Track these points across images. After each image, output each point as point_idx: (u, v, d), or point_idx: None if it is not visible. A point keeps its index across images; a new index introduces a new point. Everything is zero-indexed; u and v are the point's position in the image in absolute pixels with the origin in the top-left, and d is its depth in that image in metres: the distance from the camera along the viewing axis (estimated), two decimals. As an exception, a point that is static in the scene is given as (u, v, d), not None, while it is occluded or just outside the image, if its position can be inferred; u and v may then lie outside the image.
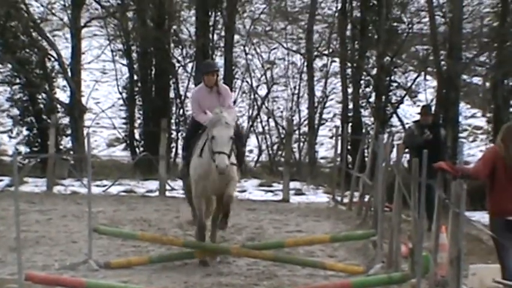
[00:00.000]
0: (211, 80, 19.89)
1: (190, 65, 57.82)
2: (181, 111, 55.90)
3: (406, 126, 39.23)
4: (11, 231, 26.73)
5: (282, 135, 48.10)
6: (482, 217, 20.26)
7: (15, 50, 52.97)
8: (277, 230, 30.59)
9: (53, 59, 54.87)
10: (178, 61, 57.61)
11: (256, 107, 52.68)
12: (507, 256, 17.95)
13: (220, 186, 19.46)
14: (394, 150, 26.57)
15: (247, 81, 54.83)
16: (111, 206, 36.31)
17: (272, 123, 53.80)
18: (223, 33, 55.08)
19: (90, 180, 25.45)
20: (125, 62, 57.39)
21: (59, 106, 54.88)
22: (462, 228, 15.65)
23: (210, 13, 54.40)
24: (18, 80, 54.78)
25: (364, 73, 52.93)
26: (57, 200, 38.17)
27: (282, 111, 54.12)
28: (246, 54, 55.57)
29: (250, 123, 52.35)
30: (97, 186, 40.48)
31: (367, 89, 52.90)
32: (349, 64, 53.87)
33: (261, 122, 54.59)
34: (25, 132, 54.43)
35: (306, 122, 54.45)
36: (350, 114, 51.52)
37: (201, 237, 20.21)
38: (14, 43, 52.77)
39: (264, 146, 54.72)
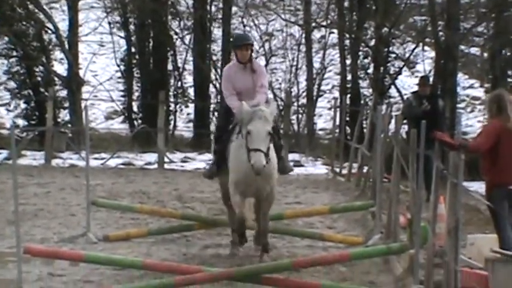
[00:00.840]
0: (245, 55, 17.43)
1: (188, 37, 57.95)
2: (179, 83, 55.95)
3: (405, 97, 39.41)
4: (9, 204, 26.58)
5: (281, 107, 47.64)
6: (480, 187, 20.31)
7: (12, 22, 52.94)
8: (276, 201, 29.27)
9: (50, 31, 55.04)
10: (176, 33, 57.89)
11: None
12: (505, 226, 18.29)
13: (261, 187, 17.40)
14: (393, 121, 26.96)
15: None
16: (109, 178, 36.16)
17: (270, 95, 51.17)
18: (221, 5, 55.49)
19: (88, 153, 25.54)
20: (122, 34, 57.60)
21: (56, 79, 55.00)
22: (460, 198, 15.66)
23: (207, -15, 50.71)
24: (15, 53, 54.85)
25: (363, 44, 53.11)
26: (55, 173, 38.25)
27: (280, 83, 54.35)
28: (244, 26, 55.54)
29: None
30: (95, 159, 40.55)
31: (366, 60, 53.24)
32: (347, 35, 54.07)
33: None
34: (23, 106, 54.78)
35: (304, 94, 54.87)
36: (348, 86, 51.90)
37: (239, 234, 18.41)
38: (10, 16, 52.60)
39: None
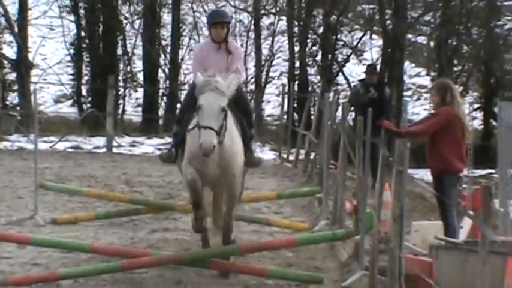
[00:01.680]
0: (220, 33, 15.89)
1: (137, 22, 58.73)
2: (128, 68, 56.68)
3: (352, 84, 39.55)
4: None
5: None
6: (425, 175, 20.67)
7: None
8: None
9: None
10: (126, 18, 58.68)
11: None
12: (451, 213, 18.68)
13: (219, 177, 15.48)
14: (340, 108, 27.19)
15: (194, 39, 55.20)
16: (57, 162, 36.37)
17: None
18: None
19: (36, 136, 25.63)
20: (72, 18, 58.19)
21: (5, 62, 55.51)
22: (405, 185, 16.07)
23: (157, -30, 51.71)
24: None
25: (311, 32, 54.41)
26: (3, 156, 38.58)
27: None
28: (194, 11, 56.57)
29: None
30: (44, 142, 40.71)
31: (314, 48, 54.48)
32: (296, 23, 54.93)
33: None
34: None
35: (252, 80, 55.50)
36: (296, 73, 53.10)
37: (198, 224, 16.26)
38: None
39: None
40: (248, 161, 15.43)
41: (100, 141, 44.49)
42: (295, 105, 47.77)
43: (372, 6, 55.52)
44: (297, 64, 54.23)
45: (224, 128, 14.51)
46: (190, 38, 55.20)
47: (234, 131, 14.92)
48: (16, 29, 54.19)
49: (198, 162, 14.85)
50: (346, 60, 53.99)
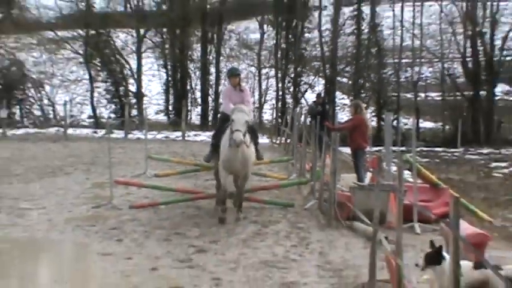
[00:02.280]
0: (235, 81, 16.16)
1: (197, 72, 56.47)
2: (193, 95, 56.32)
3: (309, 104, 40.61)
4: (100, 158, 27.86)
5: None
6: (346, 150, 20.96)
7: (109, 65, 56.21)
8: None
9: (127, 68, 56.27)
10: (192, 70, 56.26)
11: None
12: (360, 170, 19.58)
13: (241, 167, 15.32)
14: (303, 117, 27.91)
15: (224, 83, 56.98)
16: (156, 144, 36.92)
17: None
18: (214, 55, 56.72)
19: (146, 131, 27.29)
20: (164, 70, 57.34)
21: (130, 93, 55.66)
22: (336, 155, 16.98)
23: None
24: (109, 80, 56.17)
25: (287, 76, 55.50)
26: (129, 142, 38.05)
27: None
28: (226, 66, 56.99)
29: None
30: (150, 134, 39.17)
31: (289, 84, 55.04)
32: (279, 72, 55.77)
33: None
34: (113, 106, 55.05)
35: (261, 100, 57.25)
36: (280, 97, 54.35)
37: (222, 200, 15.82)
38: (109, 61, 56.07)
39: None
40: (256, 156, 16.02)
41: (178, 133, 44.29)
42: (280, 114, 49.02)
43: (318, 63, 54.98)
44: (280, 93, 54.79)
45: (246, 133, 15.06)
46: (224, 80, 52.45)
47: (248, 141, 15.32)
48: (136, 76, 54.92)
49: (229, 162, 15.26)
50: (306, 91, 55.22)
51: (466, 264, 8.35)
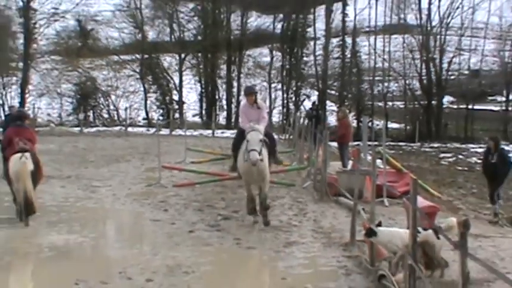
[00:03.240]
0: (251, 99, 13.00)
1: (224, 86, 56.27)
2: (220, 103, 54.94)
3: (306, 109, 40.27)
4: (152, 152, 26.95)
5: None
6: (335, 144, 20.52)
7: (159, 80, 56.19)
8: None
9: (172, 81, 55.45)
10: (220, 85, 56.18)
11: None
12: (345, 159, 19.61)
13: (258, 179, 12.41)
14: (301, 119, 27.70)
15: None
16: (193, 139, 34.32)
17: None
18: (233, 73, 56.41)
19: (185, 129, 29.87)
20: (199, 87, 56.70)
21: (174, 102, 54.72)
22: (326, 148, 16.67)
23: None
24: (158, 92, 55.68)
25: (290, 90, 55.09)
26: (173, 137, 36.46)
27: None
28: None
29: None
30: (188, 131, 38.90)
31: (292, 95, 54.43)
32: (285, 86, 55.69)
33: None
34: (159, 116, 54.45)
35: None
36: (285, 105, 53.97)
37: (251, 209, 12.84)
38: (160, 77, 56.04)
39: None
40: (274, 161, 13.10)
41: (209, 131, 43.59)
42: (285, 117, 50.22)
43: (313, 79, 55.24)
44: (285, 101, 54.68)
45: (261, 150, 12.03)
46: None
47: (265, 152, 12.33)
48: (178, 88, 54.40)
49: (247, 175, 12.34)
50: (304, 100, 54.74)
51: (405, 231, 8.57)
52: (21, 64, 53.11)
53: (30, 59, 53.17)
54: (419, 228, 8.43)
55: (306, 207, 14.69)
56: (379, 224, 9.01)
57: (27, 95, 52.49)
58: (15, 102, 49.91)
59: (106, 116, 54.61)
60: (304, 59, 55.63)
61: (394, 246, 8.61)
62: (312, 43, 56.21)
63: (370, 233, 8.83)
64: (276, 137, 14.34)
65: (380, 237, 8.75)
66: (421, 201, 10.02)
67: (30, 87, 53.40)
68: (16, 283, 8.89)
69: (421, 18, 54.18)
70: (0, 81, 52.13)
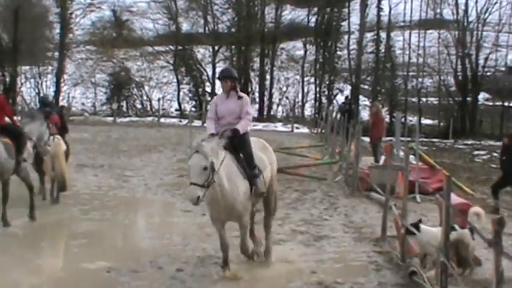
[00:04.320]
0: (225, 86, 8.89)
1: (256, 78, 56.27)
2: (252, 95, 54.13)
3: (339, 104, 40.14)
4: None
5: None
6: (367, 139, 20.74)
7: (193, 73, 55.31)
8: (288, 140, 29.76)
9: (205, 73, 55.08)
10: (251, 78, 56.38)
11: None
12: (378, 154, 19.28)
13: (228, 215, 8.60)
14: (334, 113, 27.74)
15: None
16: None
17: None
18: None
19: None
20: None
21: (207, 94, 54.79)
22: (359, 144, 16.94)
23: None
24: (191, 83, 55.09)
25: (323, 84, 54.49)
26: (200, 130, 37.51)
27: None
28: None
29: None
30: None
31: (325, 89, 53.93)
32: (318, 80, 55.14)
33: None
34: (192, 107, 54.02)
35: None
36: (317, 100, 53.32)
37: (224, 260, 8.60)
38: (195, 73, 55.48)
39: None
40: (253, 193, 8.57)
41: None
42: (317, 111, 49.65)
43: (347, 73, 54.98)
44: (318, 95, 53.99)
45: (211, 180, 7.83)
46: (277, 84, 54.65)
47: (236, 175, 8.32)
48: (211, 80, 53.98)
49: (210, 206, 8.44)
50: (337, 94, 54.13)
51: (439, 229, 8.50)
52: (57, 54, 53.95)
53: (65, 49, 53.88)
54: (456, 226, 8.49)
55: (337, 202, 14.76)
56: (420, 221, 8.92)
57: (62, 84, 53.15)
58: (51, 91, 51.01)
59: (139, 106, 54.89)
60: (338, 53, 55.33)
61: (430, 247, 8.52)
62: (346, 37, 55.89)
63: (412, 230, 8.75)
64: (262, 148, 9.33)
65: (420, 235, 8.65)
66: (455, 199, 9.95)
67: (65, 76, 53.97)
68: (49, 269, 8.94)
69: (457, 13, 53.71)
70: (36, 70, 52.97)
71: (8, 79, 49.98)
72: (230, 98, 9.02)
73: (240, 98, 9.02)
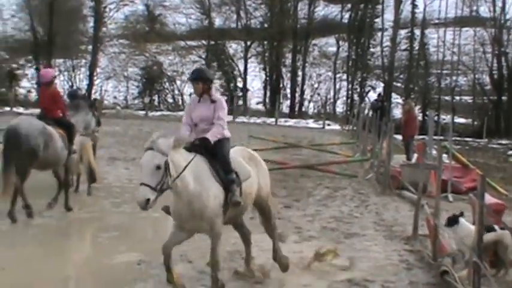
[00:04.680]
0: (196, 88, 7.76)
1: (289, 75, 56.41)
2: (284, 91, 54.51)
3: (371, 101, 39.95)
4: None
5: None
6: (398, 137, 20.77)
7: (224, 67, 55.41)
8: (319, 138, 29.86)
9: (236, 67, 55.40)
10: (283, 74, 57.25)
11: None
12: (410, 152, 19.16)
13: (196, 224, 7.27)
14: (366, 110, 27.71)
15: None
16: (254, 126, 33.70)
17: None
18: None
19: (248, 117, 26.47)
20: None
21: (238, 89, 54.69)
22: (391, 141, 16.85)
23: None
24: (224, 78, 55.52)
25: (355, 82, 54.78)
26: (237, 125, 37.23)
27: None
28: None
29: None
30: (252, 118, 41.55)
31: (357, 86, 54.32)
32: (350, 77, 55.41)
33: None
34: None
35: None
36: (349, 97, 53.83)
37: (167, 268, 7.32)
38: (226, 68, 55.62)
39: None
40: (229, 201, 7.34)
41: (272, 119, 43.79)
42: (349, 108, 49.91)
43: (379, 70, 55.12)
44: (349, 92, 54.14)
45: (163, 183, 6.80)
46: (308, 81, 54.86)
47: (207, 177, 7.23)
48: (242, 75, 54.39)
49: (176, 214, 7.32)
50: (369, 91, 54.12)
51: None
52: (90, 47, 54.68)
53: (99, 42, 54.60)
54: (496, 227, 8.42)
55: (367, 199, 14.78)
56: (462, 215, 8.79)
57: (95, 78, 53.77)
58: (84, 84, 52.23)
59: (171, 100, 55.32)
60: (371, 50, 55.40)
61: (463, 245, 8.42)
62: (379, 34, 55.78)
63: (453, 220, 8.65)
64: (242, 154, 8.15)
65: (458, 229, 8.54)
66: (488, 198, 9.72)
67: (98, 70, 54.60)
68: (80, 261, 9.05)
69: (494, 11, 53.38)
70: (70, 63, 53.67)
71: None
72: (202, 102, 7.95)
73: (213, 102, 7.91)
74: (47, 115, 11.65)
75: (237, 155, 8.08)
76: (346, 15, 56.69)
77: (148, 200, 6.79)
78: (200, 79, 7.96)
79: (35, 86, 49.33)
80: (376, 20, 56.02)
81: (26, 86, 52.97)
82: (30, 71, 53.58)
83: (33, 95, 49.61)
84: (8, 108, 40.61)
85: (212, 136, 7.69)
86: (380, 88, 53.24)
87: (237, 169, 7.77)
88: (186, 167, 7.25)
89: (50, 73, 12.24)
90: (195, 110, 7.98)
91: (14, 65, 53.31)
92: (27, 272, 8.18)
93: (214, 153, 7.67)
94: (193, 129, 7.98)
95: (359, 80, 54.70)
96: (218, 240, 7.59)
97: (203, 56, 55.86)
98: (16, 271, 8.17)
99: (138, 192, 6.83)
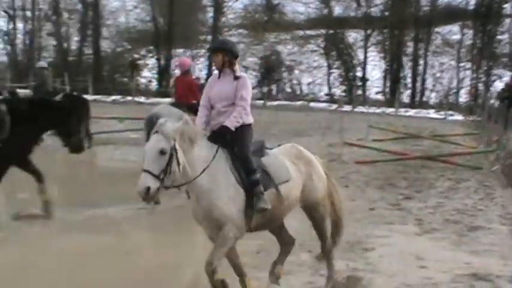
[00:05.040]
0: (216, 60, 6.57)
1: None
2: None
3: (497, 90, 38.46)
4: None
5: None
6: None
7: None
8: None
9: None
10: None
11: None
12: None
13: (207, 224, 6.27)
14: (492, 100, 26.68)
15: None
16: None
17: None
18: None
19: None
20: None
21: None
22: None
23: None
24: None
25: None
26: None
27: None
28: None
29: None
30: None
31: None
32: None
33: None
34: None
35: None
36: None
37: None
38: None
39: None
40: (253, 206, 6.25)
41: (392, 109, 43.15)
42: (473, 98, 48.33)
43: (506, 59, 52.54)
44: (474, 81, 51.90)
45: (168, 171, 5.87)
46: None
47: (223, 174, 6.23)
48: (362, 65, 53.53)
49: (195, 214, 6.38)
50: (495, 80, 51.30)
51: None
52: (209, 37, 55.33)
53: (218, 32, 55.34)
54: None
55: (493, 192, 14.41)
56: None
57: (213, 68, 55.17)
58: (203, 74, 53.52)
59: (289, 90, 55.80)
60: (498, 37, 53.54)
61: None
62: (507, 20, 53.68)
63: None
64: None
65: None
66: None
67: (216, 59, 56.82)
68: (171, 254, 8.91)
69: None
70: (190, 53, 54.33)
71: (162, 62, 52.84)
72: (223, 77, 6.83)
73: (236, 78, 6.77)
74: (180, 100, 12.24)
75: (281, 152, 7.10)
76: (472, 1, 55.22)
77: (148, 188, 5.89)
78: (221, 50, 6.84)
79: (156, 75, 51.13)
80: (505, 5, 53.95)
81: (147, 75, 54.65)
82: (151, 61, 55.11)
83: (154, 85, 51.83)
84: (129, 98, 41.88)
85: (232, 122, 6.63)
86: (507, 77, 50.02)
87: (274, 170, 6.74)
88: (207, 166, 6.29)
89: (187, 62, 13.44)
90: (214, 87, 6.84)
91: (136, 55, 54.87)
92: (154, 256, 8.40)
93: (234, 146, 6.62)
94: (210, 112, 6.89)
95: (484, 68, 53.00)
96: (224, 248, 6.34)
97: (321, 45, 55.77)
98: (145, 256, 8.49)
99: (140, 179, 5.95)
